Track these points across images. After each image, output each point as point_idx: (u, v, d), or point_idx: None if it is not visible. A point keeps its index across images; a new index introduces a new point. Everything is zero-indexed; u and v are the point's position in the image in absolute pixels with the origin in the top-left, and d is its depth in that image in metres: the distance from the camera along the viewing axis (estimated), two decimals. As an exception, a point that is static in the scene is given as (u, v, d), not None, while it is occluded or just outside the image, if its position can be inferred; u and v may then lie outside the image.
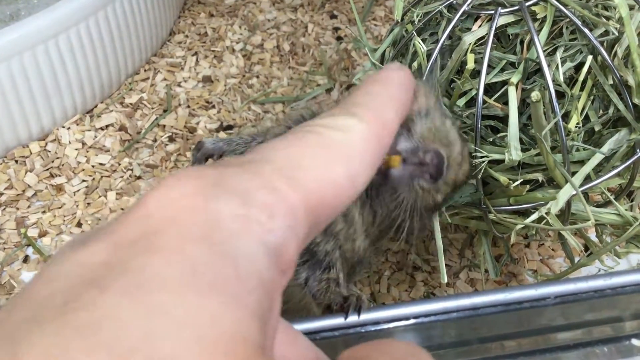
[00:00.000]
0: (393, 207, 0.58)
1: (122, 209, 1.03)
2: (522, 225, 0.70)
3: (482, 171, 0.68)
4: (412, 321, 0.44)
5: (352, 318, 0.46)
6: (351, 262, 0.65)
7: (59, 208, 1.03)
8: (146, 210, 0.29)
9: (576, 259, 0.84)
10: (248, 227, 0.29)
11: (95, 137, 1.13)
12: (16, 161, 1.09)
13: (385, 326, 0.45)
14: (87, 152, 1.11)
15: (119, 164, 1.10)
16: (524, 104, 0.73)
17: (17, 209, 1.03)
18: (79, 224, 1.01)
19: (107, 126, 1.15)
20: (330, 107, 0.53)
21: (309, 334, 0.44)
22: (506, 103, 0.70)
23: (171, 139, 1.15)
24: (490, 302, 0.44)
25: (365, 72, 1.05)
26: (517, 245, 1.00)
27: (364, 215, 0.60)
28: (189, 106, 1.20)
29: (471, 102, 0.72)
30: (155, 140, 1.14)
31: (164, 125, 1.17)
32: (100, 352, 0.23)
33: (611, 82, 0.71)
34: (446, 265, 0.93)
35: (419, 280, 0.96)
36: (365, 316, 0.45)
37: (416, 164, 0.56)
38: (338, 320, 0.45)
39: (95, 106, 1.18)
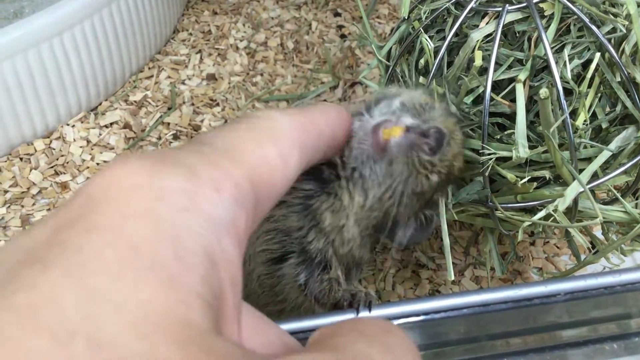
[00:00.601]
0: (386, 186, 0.56)
1: (127, 206, 1.03)
2: (530, 223, 0.70)
3: (489, 168, 0.68)
4: (421, 318, 0.44)
5: (363, 314, 0.46)
6: (346, 261, 0.64)
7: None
8: (90, 190, 0.29)
9: (582, 257, 0.84)
10: (194, 202, 0.29)
11: (100, 134, 1.13)
12: (21, 159, 1.09)
13: (394, 322, 0.45)
14: (92, 149, 1.11)
15: (124, 162, 1.10)
16: (531, 101, 0.73)
17: (22, 206, 1.03)
18: (84, 222, 1.01)
19: (111, 124, 1.15)
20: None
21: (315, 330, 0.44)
22: (513, 100, 0.70)
23: (175, 137, 1.15)
24: (500, 299, 0.44)
25: (371, 70, 1.06)
26: (523, 243, 1.00)
27: (355, 198, 0.59)
28: (193, 104, 1.20)
29: (478, 100, 0.72)
30: (159, 138, 1.14)
31: (169, 123, 1.17)
32: (42, 335, 0.23)
33: (619, 79, 0.71)
34: (451, 262, 0.93)
35: (424, 278, 0.96)
36: (374, 312, 0.45)
37: (417, 133, 0.55)
38: (349, 316, 0.45)
39: (100, 104, 1.18)
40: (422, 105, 0.58)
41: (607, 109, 0.73)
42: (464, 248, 0.99)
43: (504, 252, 0.97)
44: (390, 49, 0.84)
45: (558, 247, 1.01)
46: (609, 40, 0.70)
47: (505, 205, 0.72)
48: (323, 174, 0.59)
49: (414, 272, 0.97)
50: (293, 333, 0.44)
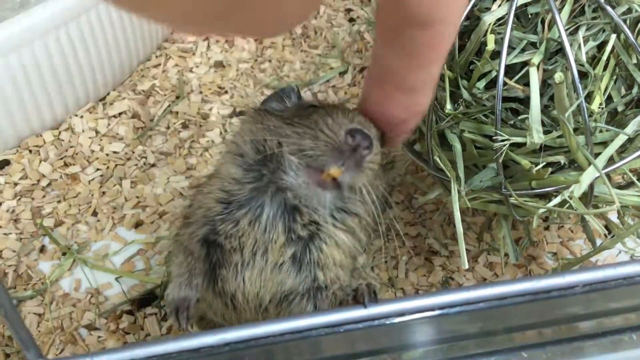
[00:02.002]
0: (362, 196, 0.59)
1: (137, 197, 1.03)
2: (545, 210, 0.68)
3: (503, 155, 0.67)
4: (436, 312, 0.43)
5: (374, 310, 0.45)
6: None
7: (74, 197, 1.03)
8: None
9: (597, 242, 0.83)
10: None
11: (109, 125, 1.12)
12: (30, 151, 1.08)
13: (409, 317, 0.44)
14: (101, 140, 1.10)
15: (133, 152, 1.09)
16: (545, 85, 0.71)
17: (33, 198, 1.03)
18: (95, 213, 1.01)
19: (120, 114, 1.14)
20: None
21: (330, 326, 0.43)
22: (527, 84, 0.69)
23: (184, 126, 1.14)
24: (518, 292, 0.43)
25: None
26: (537, 227, 0.99)
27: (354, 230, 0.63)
28: (201, 92, 1.19)
29: (491, 84, 0.71)
30: (168, 127, 1.13)
31: (177, 112, 1.16)
32: None
33: (635, 61, 0.70)
34: (465, 249, 0.92)
35: (437, 265, 0.95)
36: (388, 308, 0.44)
37: (350, 154, 0.56)
38: (360, 312, 0.44)
39: (108, 94, 1.17)
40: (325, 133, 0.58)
41: (623, 92, 0.72)
42: (477, 234, 0.98)
43: (518, 237, 0.95)
44: (400, 33, 0.82)
45: (573, 232, 0.99)
46: (625, 21, 0.68)
47: (519, 191, 0.71)
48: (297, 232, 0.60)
49: (426, 259, 0.96)
50: (303, 330, 0.44)
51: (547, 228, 0.99)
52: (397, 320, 0.44)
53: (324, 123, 0.58)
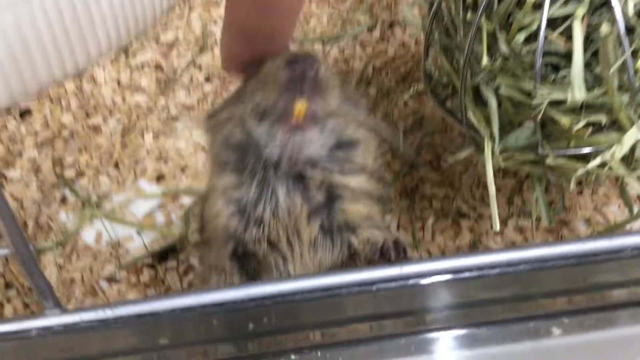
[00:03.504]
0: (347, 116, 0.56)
1: (159, 150, 1.01)
2: (583, 171, 0.65)
3: (541, 112, 0.63)
4: (475, 273, 0.41)
5: (408, 268, 0.43)
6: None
7: (96, 149, 1.01)
8: None
9: (634, 208, 0.79)
10: None
11: (131, 76, 1.10)
12: (52, 100, 1.07)
13: (445, 277, 0.41)
14: (123, 91, 1.08)
15: (155, 105, 1.07)
16: (587, 40, 0.67)
17: (54, 149, 1.01)
18: (116, 165, 1.00)
19: (142, 65, 1.12)
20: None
21: (363, 284, 0.41)
22: (569, 38, 0.65)
23: (208, 79, 1.11)
24: (563, 254, 0.41)
25: (412, 8, 1.00)
26: (569, 192, 0.96)
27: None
28: (225, 45, 1.16)
29: (531, 38, 0.67)
30: (191, 81, 1.11)
31: (201, 65, 1.13)
32: None
33: (687, 15, 0.65)
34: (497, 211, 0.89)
35: (465, 228, 0.92)
36: (423, 267, 0.42)
37: (302, 82, 0.52)
38: (392, 271, 0.42)
39: (131, 44, 1.15)
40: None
41: (673, 49, 0.68)
42: (507, 197, 0.95)
43: (550, 201, 0.92)
44: (434, -16, 0.78)
45: (607, 197, 0.96)
46: (679, -29, 0.64)
47: (557, 152, 0.67)
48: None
49: (454, 221, 0.93)
50: (332, 288, 0.42)
51: (580, 193, 0.96)
52: (431, 280, 0.41)
53: (261, 75, 0.55)
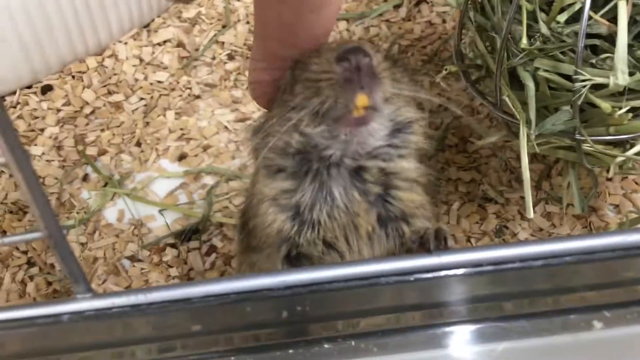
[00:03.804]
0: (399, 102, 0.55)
1: (181, 129, 1.00)
2: (623, 158, 0.63)
3: (582, 96, 0.61)
4: (517, 264, 0.39)
5: (446, 258, 0.41)
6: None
7: (118, 126, 1.00)
8: None
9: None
10: None
11: (153, 53, 1.09)
12: (73, 77, 1.05)
13: (486, 268, 0.40)
14: (145, 68, 1.07)
15: (178, 82, 1.06)
16: (631, 22, 0.65)
17: (76, 126, 1.00)
18: (138, 143, 0.99)
19: (164, 42, 1.10)
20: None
21: (400, 274, 0.40)
22: (612, 20, 0.63)
23: (230, 57, 1.09)
24: (610, 245, 0.39)
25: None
26: (600, 177, 0.93)
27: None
28: (248, 22, 1.14)
29: (572, 19, 0.65)
30: (214, 58, 1.09)
31: (223, 42, 1.11)
32: None
33: None
34: (522, 197, 0.87)
35: (491, 213, 0.91)
36: (446, 259, 0.40)
37: (358, 76, 0.50)
38: (432, 260, 0.41)
39: (153, 20, 1.13)
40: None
41: None
42: (535, 182, 0.93)
43: (580, 187, 0.90)
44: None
45: (637, 183, 0.93)
46: None
47: (595, 138, 0.65)
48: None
49: (480, 206, 0.91)
50: (368, 277, 0.40)
51: (609, 179, 0.93)
52: (473, 270, 0.40)
53: (311, 74, 0.53)
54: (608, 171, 0.91)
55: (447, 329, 0.45)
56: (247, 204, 0.64)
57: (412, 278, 0.41)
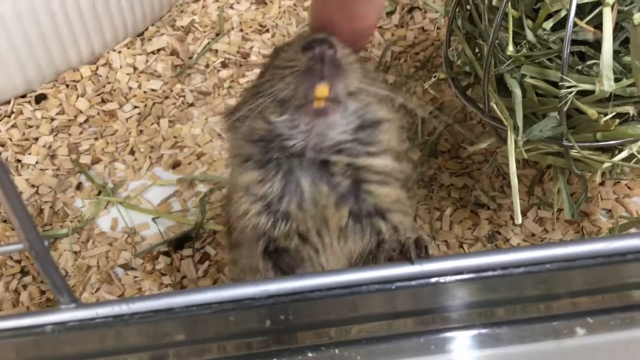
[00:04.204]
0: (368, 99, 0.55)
1: (175, 137, 1.00)
2: (610, 164, 0.64)
3: (568, 103, 0.61)
4: (498, 272, 0.40)
5: (428, 266, 0.41)
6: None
7: (112, 135, 1.01)
8: None
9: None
10: None
11: (147, 61, 1.09)
12: (67, 85, 1.06)
13: (467, 276, 0.40)
14: (139, 77, 1.07)
15: (171, 90, 1.06)
16: (617, 28, 0.65)
17: (69, 134, 1.01)
18: (132, 152, 0.99)
19: (158, 50, 1.11)
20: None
21: (381, 282, 0.40)
22: (598, 27, 0.63)
23: (224, 65, 1.10)
24: (589, 253, 0.39)
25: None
26: (591, 182, 0.94)
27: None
28: (242, 30, 1.15)
29: (558, 26, 0.65)
30: (207, 66, 1.09)
31: (217, 50, 1.12)
32: None
33: None
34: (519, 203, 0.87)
35: (484, 218, 0.91)
36: (433, 266, 0.40)
37: (321, 65, 0.50)
38: (414, 268, 0.41)
39: (146, 29, 1.13)
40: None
41: None
42: (527, 187, 0.93)
43: (572, 192, 0.90)
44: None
45: (630, 188, 0.94)
46: None
47: (582, 143, 0.65)
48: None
49: (472, 211, 0.92)
50: (351, 286, 0.40)
51: (602, 183, 0.94)
52: (454, 278, 0.40)
53: (280, 61, 0.54)
54: (604, 174, 0.91)
55: (431, 336, 0.45)
56: (226, 196, 0.64)
57: (393, 286, 0.41)
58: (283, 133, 0.53)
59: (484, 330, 0.45)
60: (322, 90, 0.50)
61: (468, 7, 0.73)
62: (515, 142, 0.67)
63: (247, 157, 0.56)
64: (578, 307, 0.45)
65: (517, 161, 0.93)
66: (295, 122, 0.53)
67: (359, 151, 0.55)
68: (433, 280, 0.40)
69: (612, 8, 0.62)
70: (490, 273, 0.40)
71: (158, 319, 0.40)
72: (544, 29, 0.64)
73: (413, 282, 0.41)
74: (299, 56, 0.51)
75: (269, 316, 0.42)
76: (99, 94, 1.05)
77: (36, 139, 1.00)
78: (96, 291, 0.85)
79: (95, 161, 0.98)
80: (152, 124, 1.02)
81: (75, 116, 1.02)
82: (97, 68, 1.08)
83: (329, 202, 0.55)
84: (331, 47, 0.50)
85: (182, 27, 1.14)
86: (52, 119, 1.02)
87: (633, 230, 0.86)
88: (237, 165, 0.58)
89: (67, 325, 0.40)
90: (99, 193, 0.94)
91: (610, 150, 0.70)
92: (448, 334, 0.44)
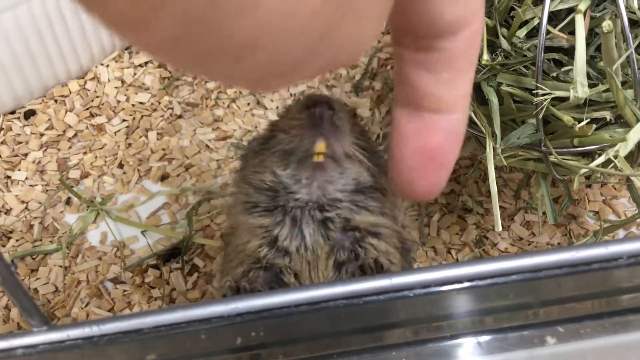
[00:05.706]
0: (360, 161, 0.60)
1: (163, 149, 1.01)
2: (587, 170, 0.64)
3: (543, 110, 0.62)
4: (465, 284, 0.40)
5: (397, 279, 0.42)
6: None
7: (100, 149, 1.01)
8: None
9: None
10: None
11: (135, 74, 1.10)
12: (55, 101, 1.06)
13: (436, 289, 0.41)
14: (127, 90, 1.08)
15: (159, 103, 1.07)
16: (591, 34, 0.66)
17: (59, 149, 1.01)
18: (121, 165, 1.00)
19: (146, 63, 1.11)
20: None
21: (347, 298, 0.41)
22: (572, 33, 0.63)
23: (212, 76, 1.10)
24: (555, 263, 0.39)
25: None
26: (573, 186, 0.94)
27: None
28: (229, 40, 1.15)
29: (533, 33, 0.65)
30: (195, 78, 1.10)
31: (204, 61, 1.12)
32: None
33: (694, 7, 0.63)
34: (500, 207, 0.88)
35: (471, 223, 0.91)
36: (413, 278, 0.41)
37: (321, 124, 0.56)
38: (382, 283, 0.41)
39: (134, 42, 1.14)
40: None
41: (680, 41, 0.66)
42: (514, 191, 0.93)
43: (558, 195, 0.91)
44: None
45: (616, 190, 0.94)
46: (686, -39, 0.62)
47: (560, 149, 0.66)
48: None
49: (460, 217, 0.92)
50: (319, 302, 0.41)
51: (589, 186, 0.94)
52: (423, 291, 0.40)
53: (283, 119, 0.61)
54: (589, 177, 0.91)
55: (398, 351, 0.45)
56: (227, 227, 0.67)
57: (361, 301, 0.41)
58: (288, 185, 0.58)
59: (451, 342, 0.46)
60: (320, 145, 0.56)
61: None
62: (494, 149, 0.68)
63: (255, 204, 0.61)
64: (548, 317, 0.45)
65: (503, 166, 0.94)
66: (297, 177, 0.58)
67: (353, 210, 0.60)
68: (401, 294, 0.41)
69: (585, 15, 0.62)
70: (456, 286, 0.40)
71: (128, 340, 0.41)
72: (519, 37, 0.65)
73: (381, 297, 0.41)
74: (301, 116, 0.58)
75: (239, 334, 0.43)
76: (87, 109, 1.06)
77: (25, 155, 1.00)
78: (86, 306, 0.85)
79: (84, 175, 0.98)
80: (141, 137, 1.02)
81: (64, 131, 1.03)
82: (86, 82, 1.08)
83: (322, 252, 0.59)
84: (331, 108, 0.56)
85: (170, 39, 1.15)
86: (42, 135, 1.03)
87: (619, 232, 0.86)
88: (243, 211, 0.62)
89: (38, 348, 0.40)
90: (88, 207, 0.94)
91: (591, 155, 0.70)
92: (418, 348, 0.44)
